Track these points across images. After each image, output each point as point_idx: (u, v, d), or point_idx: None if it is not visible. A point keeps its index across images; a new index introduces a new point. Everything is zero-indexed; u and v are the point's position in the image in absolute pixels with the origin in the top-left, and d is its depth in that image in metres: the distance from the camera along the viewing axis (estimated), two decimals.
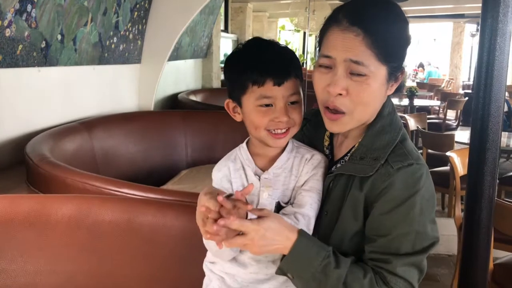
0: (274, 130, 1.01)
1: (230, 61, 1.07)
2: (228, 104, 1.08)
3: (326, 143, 1.13)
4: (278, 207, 1.03)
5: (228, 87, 1.07)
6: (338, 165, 1.07)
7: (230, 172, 1.08)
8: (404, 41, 0.98)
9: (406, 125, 4.65)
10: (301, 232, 0.93)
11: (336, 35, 0.95)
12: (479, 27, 1.27)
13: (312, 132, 1.16)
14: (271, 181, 1.04)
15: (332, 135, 1.13)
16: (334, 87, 0.95)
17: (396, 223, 0.94)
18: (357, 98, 0.95)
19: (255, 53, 1.02)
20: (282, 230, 0.91)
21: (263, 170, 1.06)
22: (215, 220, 0.88)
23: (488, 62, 1.22)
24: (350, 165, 1.01)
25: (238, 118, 1.08)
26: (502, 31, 1.20)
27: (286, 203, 1.03)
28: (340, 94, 0.95)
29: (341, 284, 0.92)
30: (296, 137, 1.11)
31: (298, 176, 1.04)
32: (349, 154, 1.05)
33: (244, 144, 1.11)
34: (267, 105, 1.01)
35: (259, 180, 1.04)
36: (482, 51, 1.23)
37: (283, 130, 1.02)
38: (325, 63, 0.97)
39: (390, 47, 0.94)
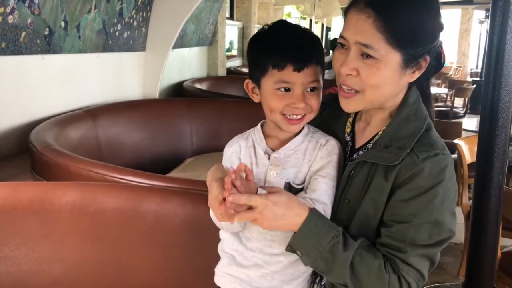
0: (289, 115, 1.02)
1: (253, 42, 1.07)
2: (248, 84, 1.09)
3: (348, 130, 1.12)
4: (290, 188, 1.02)
5: (249, 68, 1.08)
6: (360, 152, 1.05)
7: (241, 149, 1.09)
8: (427, 28, 0.94)
9: None
10: (312, 210, 0.93)
11: (351, 15, 0.95)
12: (488, 14, 1.23)
13: (332, 117, 1.14)
14: (281, 161, 1.04)
15: (354, 122, 1.12)
16: (344, 68, 0.95)
17: (416, 211, 0.93)
18: (366, 80, 0.94)
19: (278, 36, 1.02)
20: (292, 206, 0.91)
21: (274, 150, 1.07)
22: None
23: (499, 45, 1.18)
24: (374, 152, 1.00)
25: (256, 99, 1.08)
26: None
27: (299, 185, 1.03)
28: (351, 75, 0.95)
29: (348, 266, 0.92)
30: (315, 121, 1.11)
31: (312, 160, 1.04)
32: (372, 142, 1.04)
33: (258, 126, 1.12)
34: (285, 90, 1.01)
35: (269, 158, 1.05)
36: (493, 34, 1.20)
37: (299, 116, 1.02)
38: (342, 42, 0.97)
39: (405, 33, 0.91)
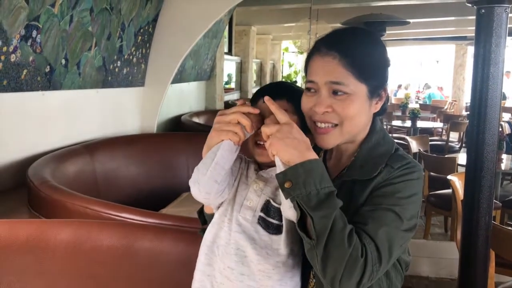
0: (258, 141, 1.11)
1: None
2: None
3: None
4: (268, 206, 1.08)
5: None
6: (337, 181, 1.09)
7: (242, 159, 1.17)
8: (381, 62, 1.07)
9: (408, 148, 4.66)
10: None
11: (316, 61, 1.05)
12: None
13: None
14: (266, 179, 1.11)
15: (325, 157, 1.18)
16: (319, 107, 1.04)
17: (383, 199, 1.00)
18: (342, 112, 1.03)
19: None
20: (305, 143, 0.96)
21: None
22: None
23: (482, 91, 1.24)
24: (351, 172, 1.07)
25: None
26: (495, 61, 1.22)
27: (278, 204, 1.07)
28: (327, 112, 1.04)
29: (337, 215, 0.92)
30: None
31: None
32: (346, 168, 1.10)
33: None
34: None
35: (256, 174, 1.13)
36: (476, 80, 1.25)
37: (261, 142, 1.08)
38: (310, 87, 1.06)
39: (367, 66, 1.03)
